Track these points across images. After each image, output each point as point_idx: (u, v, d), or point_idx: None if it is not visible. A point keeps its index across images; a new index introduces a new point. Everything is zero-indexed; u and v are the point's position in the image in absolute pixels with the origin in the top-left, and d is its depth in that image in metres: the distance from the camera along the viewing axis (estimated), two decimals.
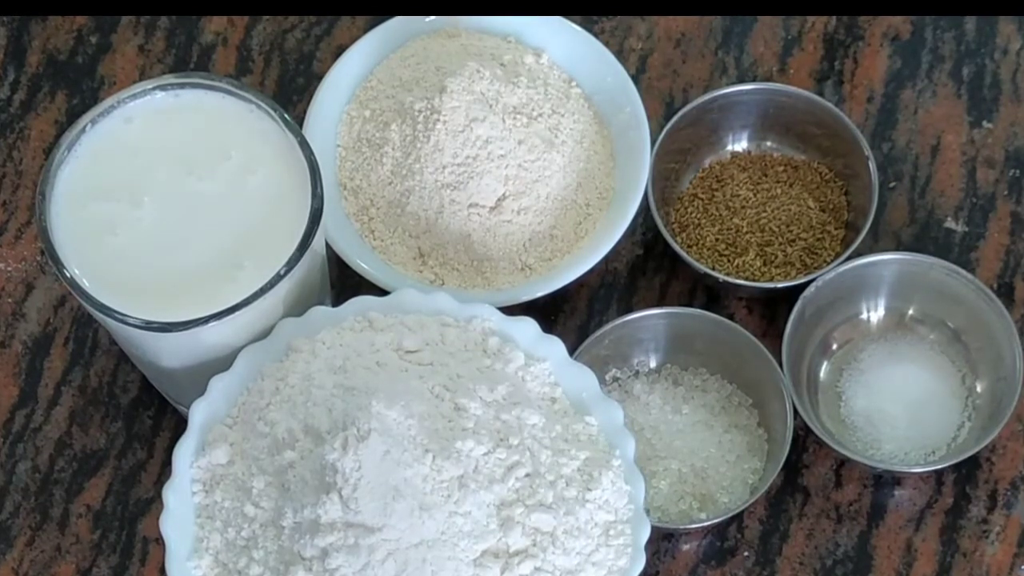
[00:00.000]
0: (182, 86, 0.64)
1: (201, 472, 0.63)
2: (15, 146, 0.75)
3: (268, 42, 0.76)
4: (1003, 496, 0.68)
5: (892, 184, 0.73)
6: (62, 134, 0.64)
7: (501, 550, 0.61)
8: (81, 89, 0.75)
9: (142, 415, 0.71)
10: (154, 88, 0.64)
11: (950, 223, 0.72)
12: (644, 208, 0.70)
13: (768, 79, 0.74)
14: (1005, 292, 0.71)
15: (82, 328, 0.72)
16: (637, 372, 0.70)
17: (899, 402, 0.69)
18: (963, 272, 0.69)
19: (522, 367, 0.64)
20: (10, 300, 0.73)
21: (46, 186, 0.63)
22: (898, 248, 0.72)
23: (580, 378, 0.64)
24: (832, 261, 0.70)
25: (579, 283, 0.70)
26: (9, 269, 0.73)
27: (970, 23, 0.74)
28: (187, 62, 0.76)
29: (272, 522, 0.61)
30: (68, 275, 0.62)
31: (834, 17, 0.75)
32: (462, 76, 0.69)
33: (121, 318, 0.61)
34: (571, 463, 0.62)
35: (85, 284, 0.62)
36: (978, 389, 0.69)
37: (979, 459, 0.68)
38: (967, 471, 0.68)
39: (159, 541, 0.64)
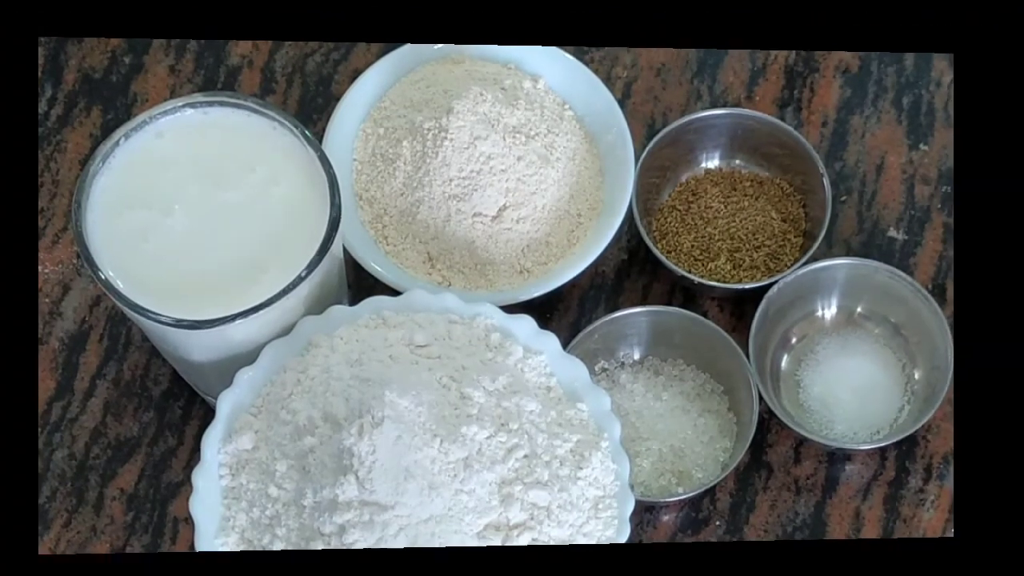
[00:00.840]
0: (210, 104, 0.61)
1: (228, 457, 0.61)
2: (52, 157, 0.71)
3: (290, 65, 0.72)
4: (937, 469, 0.67)
5: (843, 198, 0.71)
6: (97, 147, 0.61)
7: (502, 524, 0.59)
8: (115, 105, 0.72)
9: (173, 405, 0.67)
10: (184, 105, 0.61)
11: (892, 232, 0.71)
12: (629, 218, 0.68)
13: (737, 105, 0.72)
14: (939, 292, 0.70)
15: (116, 326, 0.69)
16: (623, 363, 0.68)
17: (849, 388, 0.68)
18: (903, 275, 0.68)
19: (521, 359, 0.62)
20: (47, 300, 0.68)
21: (82, 195, 0.60)
22: (848, 254, 0.70)
23: (572, 369, 0.63)
24: (792, 265, 0.68)
25: (571, 284, 0.69)
26: (47, 271, 0.69)
27: (909, 59, 0.73)
28: (215, 82, 0.72)
29: (294, 502, 0.59)
30: (103, 277, 0.59)
31: (794, 52, 0.72)
32: (467, 98, 0.67)
33: (154, 317, 0.59)
34: (564, 445, 0.61)
35: (119, 286, 0.59)
36: (916, 377, 0.68)
37: (917, 438, 0.67)
38: (907, 448, 0.67)
39: (188, 521, 0.62)
